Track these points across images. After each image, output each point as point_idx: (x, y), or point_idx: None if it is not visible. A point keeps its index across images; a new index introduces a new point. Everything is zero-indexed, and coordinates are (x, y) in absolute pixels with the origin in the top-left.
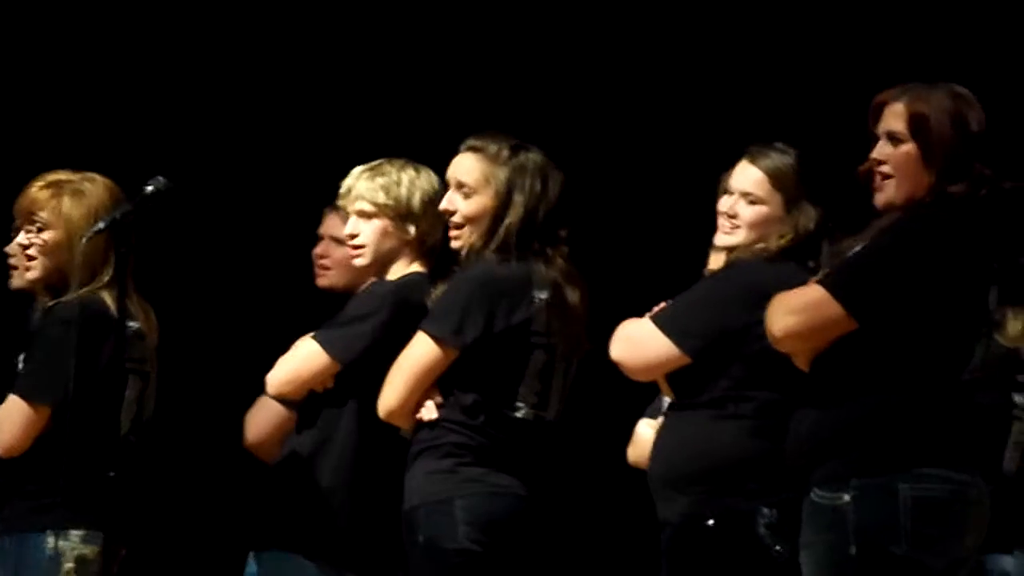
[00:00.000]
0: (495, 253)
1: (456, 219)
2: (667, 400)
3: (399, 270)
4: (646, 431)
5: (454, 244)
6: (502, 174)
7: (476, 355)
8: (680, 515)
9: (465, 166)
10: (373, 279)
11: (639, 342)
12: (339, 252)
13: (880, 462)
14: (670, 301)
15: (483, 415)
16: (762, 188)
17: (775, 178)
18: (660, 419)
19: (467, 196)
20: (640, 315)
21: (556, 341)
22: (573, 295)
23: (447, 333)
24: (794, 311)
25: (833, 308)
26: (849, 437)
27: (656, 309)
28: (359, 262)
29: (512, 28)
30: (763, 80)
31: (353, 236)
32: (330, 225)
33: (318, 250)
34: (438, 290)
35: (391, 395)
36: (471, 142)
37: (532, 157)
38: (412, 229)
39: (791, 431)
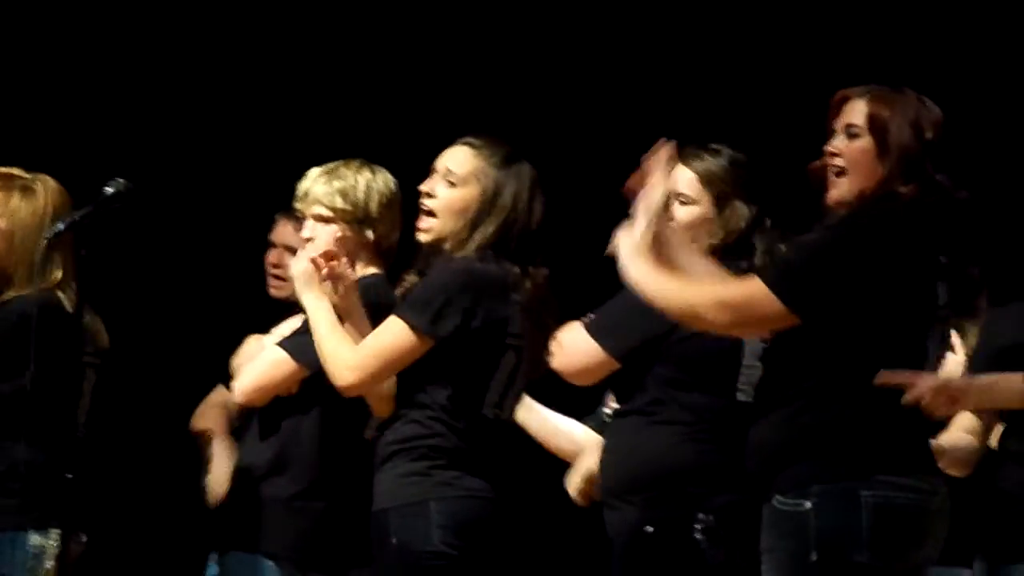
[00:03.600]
0: (474, 252)
1: (431, 203)
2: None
3: (356, 272)
4: (570, 426)
5: (421, 236)
6: (493, 174)
7: (451, 349)
8: (624, 524)
9: (458, 158)
10: None
11: (571, 347)
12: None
13: (841, 469)
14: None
15: (462, 417)
16: (692, 188)
17: (705, 178)
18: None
19: (451, 185)
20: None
21: (525, 345)
22: (548, 309)
23: (424, 322)
24: (730, 306)
25: (771, 303)
26: (810, 443)
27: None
28: None
29: (476, 35)
30: (708, 82)
31: (309, 240)
32: (283, 233)
33: (272, 259)
34: (407, 282)
35: (360, 373)
36: (468, 139)
37: (525, 169)
38: (369, 233)
39: (750, 437)
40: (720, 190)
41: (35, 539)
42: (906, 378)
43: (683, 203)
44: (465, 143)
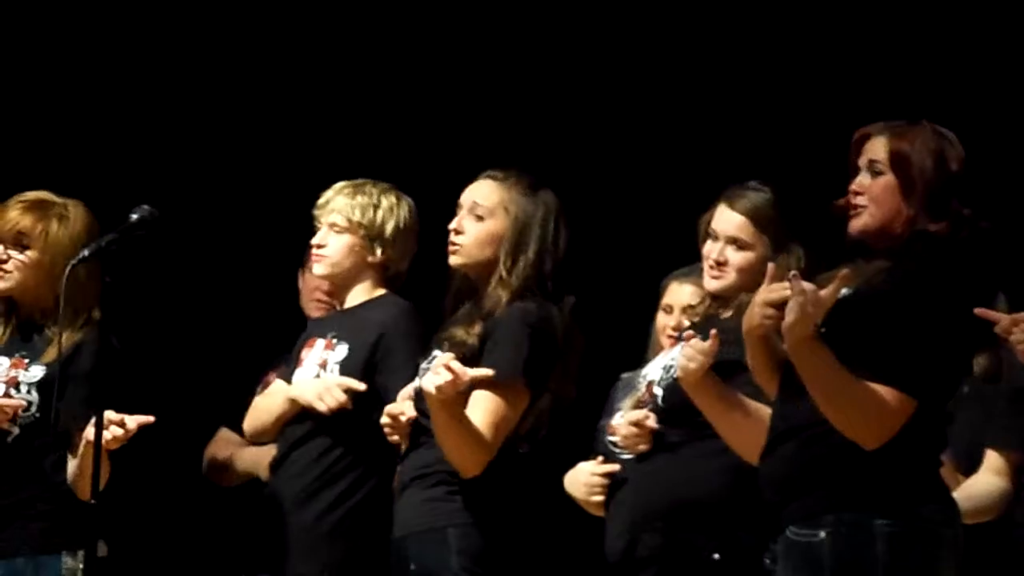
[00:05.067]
0: (523, 293)
1: (459, 239)
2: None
3: (365, 292)
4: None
5: (453, 259)
6: (521, 204)
7: None
8: (680, 549)
9: (483, 191)
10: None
11: None
12: None
13: (855, 498)
14: None
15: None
16: (747, 232)
17: (758, 221)
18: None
19: (480, 219)
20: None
21: (558, 387)
22: (576, 344)
23: (531, 379)
24: (875, 418)
25: (910, 405)
26: (822, 473)
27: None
28: (318, 269)
29: (493, 64)
30: (728, 117)
31: (320, 246)
32: None
33: (322, 287)
34: (472, 333)
35: (485, 459)
36: (491, 171)
37: (550, 198)
38: (378, 252)
39: (763, 467)
40: (774, 232)
41: (68, 562)
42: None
43: (739, 248)
44: (488, 176)
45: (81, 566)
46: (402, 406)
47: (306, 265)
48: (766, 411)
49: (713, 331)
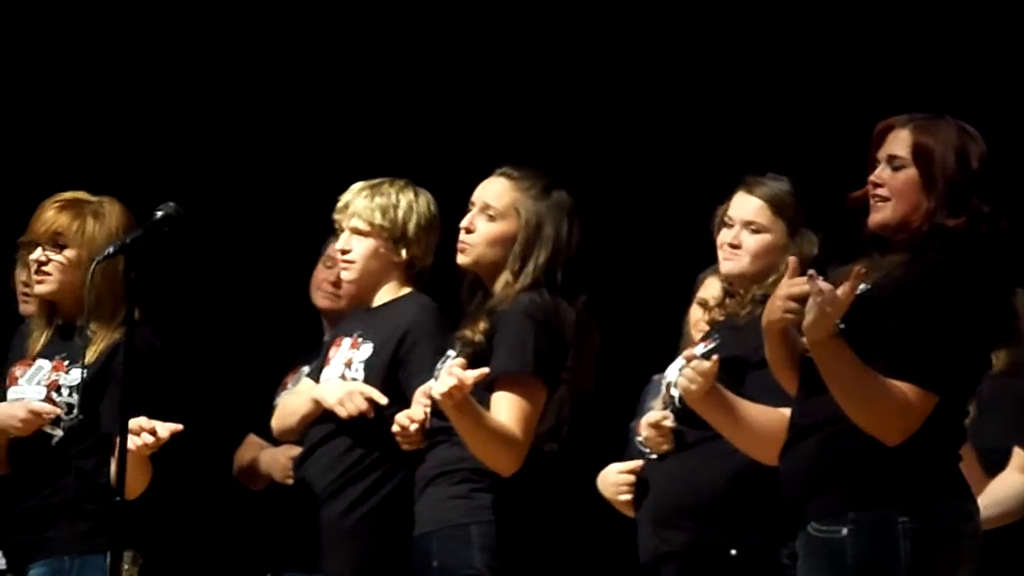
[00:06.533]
0: (531, 288)
1: (470, 239)
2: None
3: (391, 291)
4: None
5: (461, 258)
6: (533, 207)
7: None
8: (698, 544)
9: (495, 190)
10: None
11: None
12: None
13: (877, 495)
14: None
15: None
16: (764, 216)
17: (776, 206)
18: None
19: (491, 219)
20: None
21: (573, 378)
22: (592, 340)
23: (543, 372)
24: (898, 415)
25: (930, 401)
26: (844, 469)
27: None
28: (346, 276)
29: (505, 57)
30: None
31: (345, 252)
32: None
33: (331, 277)
34: (478, 330)
35: (519, 455)
36: (505, 169)
37: (564, 198)
38: (403, 252)
39: (784, 463)
40: (791, 217)
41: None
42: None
43: (755, 231)
44: (502, 174)
45: (127, 567)
46: (412, 413)
47: (323, 256)
48: (774, 413)
49: (715, 356)
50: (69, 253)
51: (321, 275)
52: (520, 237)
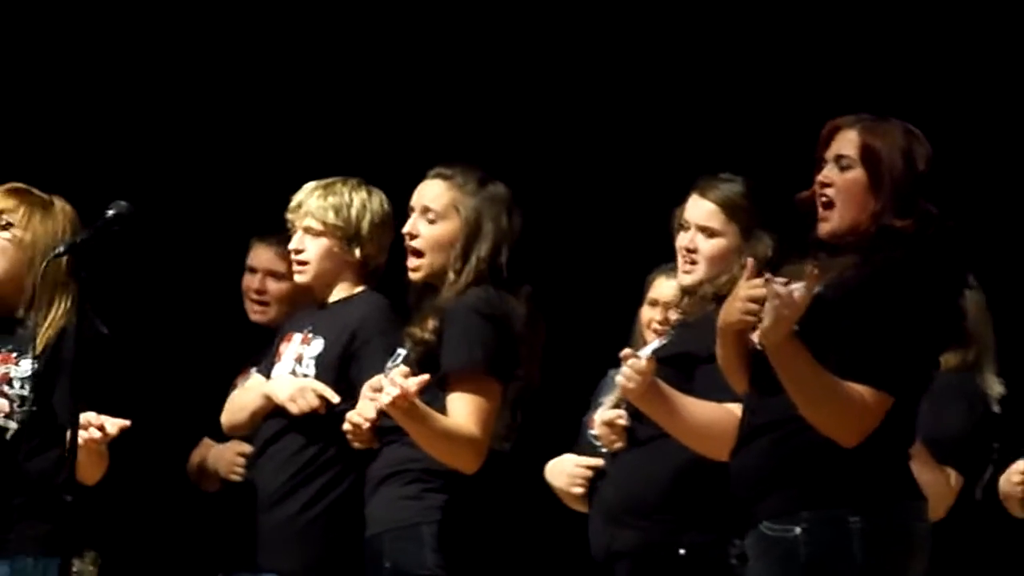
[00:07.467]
0: (476, 283)
1: (417, 244)
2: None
3: (345, 290)
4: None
5: (413, 275)
6: (471, 203)
7: None
8: (648, 543)
9: (432, 192)
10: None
11: None
12: (276, 287)
13: (830, 495)
14: None
15: None
16: (717, 220)
17: (729, 209)
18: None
19: (432, 222)
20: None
21: (525, 373)
22: (539, 331)
23: (497, 369)
24: (855, 417)
25: (885, 401)
26: (797, 468)
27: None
28: (300, 279)
29: (462, 56)
30: (708, 112)
31: (298, 252)
32: (264, 259)
33: (255, 285)
34: (427, 329)
35: (479, 452)
36: (439, 169)
37: (499, 190)
38: (357, 251)
39: (736, 462)
40: (744, 220)
41: (76, 564)
42: None
43: (710, 236)
44: (437, 175)
45: (89, 567)
46: (363, 411)
47: (248, 265)
48: (720, 409)
49: (650, 355)
50: (15, 232)
51: (245, 282)
52: (461, 235)
